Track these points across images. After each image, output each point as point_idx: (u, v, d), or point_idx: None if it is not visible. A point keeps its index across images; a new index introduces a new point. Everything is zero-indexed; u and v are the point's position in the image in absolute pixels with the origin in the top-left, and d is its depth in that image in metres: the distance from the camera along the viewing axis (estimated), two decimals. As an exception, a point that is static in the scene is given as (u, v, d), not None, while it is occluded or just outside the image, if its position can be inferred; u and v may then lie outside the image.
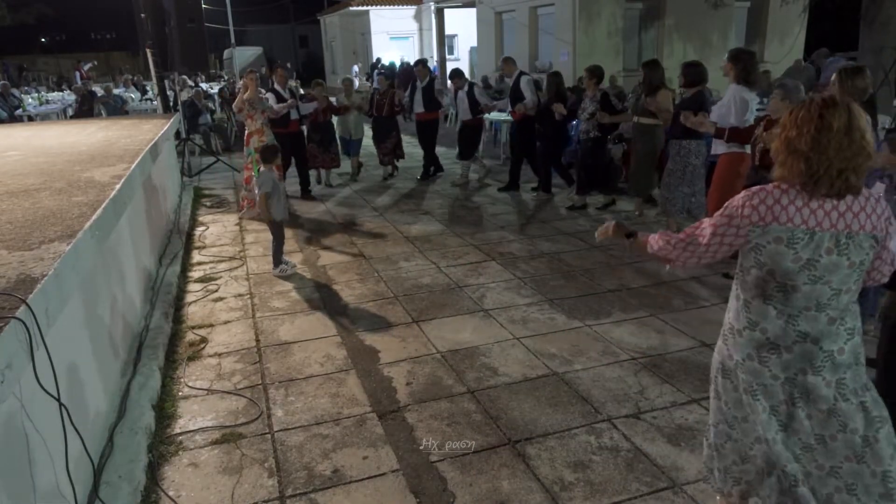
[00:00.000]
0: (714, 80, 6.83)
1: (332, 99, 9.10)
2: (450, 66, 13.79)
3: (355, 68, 24.05)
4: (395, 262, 5.83)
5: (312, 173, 8.88)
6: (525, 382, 3.67)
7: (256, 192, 5.60)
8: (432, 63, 22.26)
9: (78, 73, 23.78)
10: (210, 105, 14.11)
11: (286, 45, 42.35)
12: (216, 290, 5.24)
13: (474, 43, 21.42)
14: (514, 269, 5.54)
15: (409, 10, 26.36)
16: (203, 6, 9.86)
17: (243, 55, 28.84)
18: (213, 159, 10.99)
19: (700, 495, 2.70)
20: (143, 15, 8.79)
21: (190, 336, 4.41)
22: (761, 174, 4.36)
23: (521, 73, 8.26)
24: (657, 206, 7.00)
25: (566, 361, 3.90)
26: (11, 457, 2.01)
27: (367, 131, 9.99)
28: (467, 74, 10.57)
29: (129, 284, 4.17)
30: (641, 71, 6.93)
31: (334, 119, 9.02)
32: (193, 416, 3.42)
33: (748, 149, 5.01)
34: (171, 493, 2.81)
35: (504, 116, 10.09)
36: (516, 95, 8.08)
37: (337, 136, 9.19)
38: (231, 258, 6.07)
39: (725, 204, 2.05)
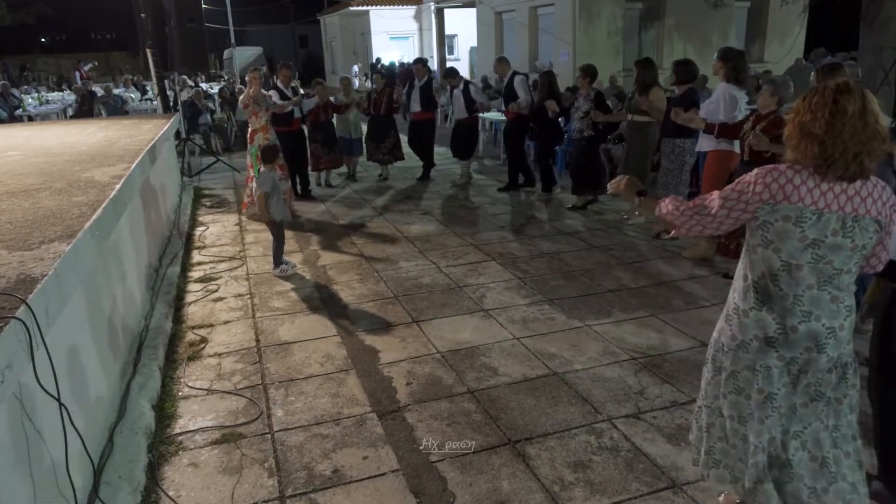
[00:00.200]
0: (714, 79, 6.84)
1: (332, 98, 9.10)
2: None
3: (355, 68, 24.01)
4: (395, 262, 5.83)
5: (313, 174, 8.88)
6: (525, 382, 3.67)
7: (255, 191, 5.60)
8: (433, 63, 22.24)
9: (78, 73, 23.77)
10: (210, 105, 14.11)
11: (286, 45, 42.32)
12: (216, 290, 5.24)
13: (474, 43, 21.37)
14: (514, 269, 5.54)
15: (409, 10, 26.34)
16: (203, 6, 9.85)
17: (243, 55, 28.89)
18: (213, 159, 10.99)
19: (700, 495, 2.70)
20: (143, 15, 8.79)
21: (190, 336, 4.41)
22: (751, 169, 4.41)
23: (515, 73, 8.27)
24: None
25: (566, 361, 3.90)
26: (11, 457, 2.01)
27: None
28: (467, 75, 10.55)
29: (129, 284, 4.17)
30: (634, 69, 6.95)
31: (334, 119, 9.02)
32: (193, 416, 3.42)
33: (736, 146, 5.09)
34: (171, 493, 2.81)
35: (502, 116, 10.10)
36: (510, 95, 8.09)
37: (337, 136, 9.18)
38: (231, 258, 6.07)
39: (737, 179, 2.11)
